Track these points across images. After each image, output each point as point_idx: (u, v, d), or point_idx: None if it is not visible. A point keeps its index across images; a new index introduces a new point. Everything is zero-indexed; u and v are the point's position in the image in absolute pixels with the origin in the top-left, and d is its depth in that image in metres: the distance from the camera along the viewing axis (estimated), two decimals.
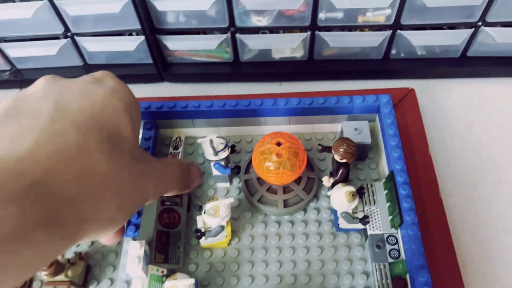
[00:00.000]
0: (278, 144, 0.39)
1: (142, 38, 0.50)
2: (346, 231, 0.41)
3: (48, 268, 0.36)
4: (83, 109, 0.27)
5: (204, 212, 0.38)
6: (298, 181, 0.43)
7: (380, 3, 0.46)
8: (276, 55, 0.54)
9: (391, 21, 0.48)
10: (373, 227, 0.39)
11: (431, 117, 0.51)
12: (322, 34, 0.50)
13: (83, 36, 0.50)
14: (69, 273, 0.38)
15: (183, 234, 0.41)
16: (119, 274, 0.37)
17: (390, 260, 0.37)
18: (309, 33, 0.50)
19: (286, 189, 0.43)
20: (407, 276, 0.36)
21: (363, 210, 0.40)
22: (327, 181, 0.41)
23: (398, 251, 0.38)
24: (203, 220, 0.39)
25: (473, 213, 0.44)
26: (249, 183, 0.44)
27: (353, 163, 0.43)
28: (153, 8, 0.47)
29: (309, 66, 0.54)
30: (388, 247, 0.38)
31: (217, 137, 0.41)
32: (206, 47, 0.52)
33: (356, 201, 0.38)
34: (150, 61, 0.53)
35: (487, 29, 0.49)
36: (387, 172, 0.42)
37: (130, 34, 0.51)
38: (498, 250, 0.42)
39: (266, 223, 0.43)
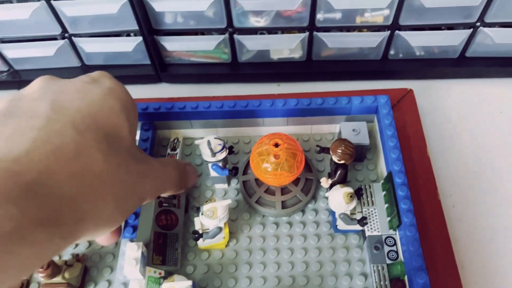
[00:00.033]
0: (276, 145, 0.39)
1: (140, 39, 0.50)
2: (344, 232, 0.41)
3: (45, 270, 0.36)
4: (80, 109, 0.27)
5: (202, 214, 0.38)
6: (296, 182, 0.43)
7: (378, 3, 0.46)
8: (274, 56, 0.53)
9: (390, 22, 0.48)
10: (371, 228, 0.39)
11: (430, 118, 0.51)
12: (320, 34, 0.50)
13: (80, 37, 0.50)
14: (66, 275, 0.38)
15: (181, 236, 0.41)
16: (116, 276, 0.37)
17: (388, 261, 0.37)
18: (307, 33, 0.50)
19: (284, 190, 0.43)
20: (405, 278, 0.36)
21: (361, 211, 0.40)
22: (325, 182, 0.41)
23: (396, 252, 0.38)
24: (200, 222, 0.39)
25: (471, 214, 0.44)
26: (247, 184, 0.44)
27: (351, 164, 0.43)
28: (150, 9, 0.47)
29: (308, 66, 0.54)
30: (386, 249, 0.38)
31: (215, 138, 0.40)
32: (204, 47, 0.52)
33: (354, 202, 0.38)
34: (148, 62, 0.53)
35: (486, 29, 0.49)
36: (385, 173, 0.42)
37: (128, 35, 0.51)
38: (497, 251, 0.41)
39: (264, 224, 0.42)
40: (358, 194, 0.40)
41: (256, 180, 0.43)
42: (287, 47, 0.52)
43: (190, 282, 0.35)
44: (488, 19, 0.48)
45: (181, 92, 0.54)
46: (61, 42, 0.51)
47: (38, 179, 0.22)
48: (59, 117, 0.26)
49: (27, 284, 0.39)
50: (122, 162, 0.28)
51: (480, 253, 0.41)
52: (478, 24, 0.48)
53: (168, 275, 0.37)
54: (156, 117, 0.45)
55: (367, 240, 0.39)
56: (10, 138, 0.24)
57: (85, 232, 0.25)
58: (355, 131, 0.43)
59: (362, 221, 0.39)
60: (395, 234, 0.38)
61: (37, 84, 0.29)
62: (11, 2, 0.47)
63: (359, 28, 0.50)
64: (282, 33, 0.50)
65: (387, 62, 0.54)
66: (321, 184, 0.41)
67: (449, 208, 0.44)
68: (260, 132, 0.47)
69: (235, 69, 0.54)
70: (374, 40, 0.50)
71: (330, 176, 0.42)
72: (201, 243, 0.40)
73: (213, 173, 0.42)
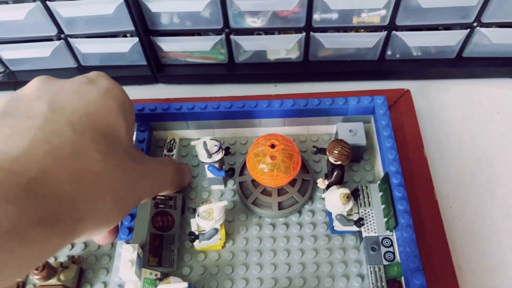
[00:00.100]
0: (272, 146, 0.39)
1: (136, 39, 0.49)
2: (341, 233, 0.41)
3: (40, 272, 0.36)
4: (77, 109, 0.28)
5: (198, 215, 0.38)
6: (292, 183, 0.43)
7: (375, 4, 0.46)
8: (271, 56, 0.53)
9: (386, 22, 0.48)
10: (368, 229, 0.39)
11: (427, 118, 0.51)
12: (317, 35, 0.50)
13: (76, 37, 0.50)
14: (62, 277, 0.38)
15: (177, 237, 0.41)
16: (112, 277, 0.36)
17: (385, 262, 0.37)
18: (304, 34, 0.49)
19: (280, 191, 0.43)
20: (402, 279, 0.36)
21: (358, 212, 0.40)
22: (321, 183, 0.41)
23: (393, 253, 0.38)
24: (197, 223, 0.39)
25: (468, 215, 0.44)
26: (244, 185, 0.44)
27: (348, 165, 0.43)
28: (146, 10, 0.47)
29: (304, 67, 0.54)
30: (383, 250, 0.38)
31: (211, 139, 0.40)
32: (200, 48, 0.52)
33: (351, 203, 0.38)
34: (144, 62, 0.53)
35: (483, 29, 0.49)
36: (382, 174, 0.42)
37: (124, 36, 0.51)
38: (494, 252, 0.41)
39: (261, 225, 0.42)
40: (354, 195, 0.40)
41: (253, 181, 0.43)
42: (283, 47, 0.52)
43: (186, 284, 0.35)
44: (485, 19, 0.48)
45: (177, 92, 0.54)
46: (57, 43, 0.51)
47: (37, 179, 0.22)
48: (57, 117, 0.26)
49: (22, 286, 0.39)
50: (120, 162, 0.28)
51: (477, 254, 0.41)
52: (475, 24, 0.48)
53: (164, 276, 0.37)
54: (152, 118, 0.45)
55: (363, 241, 0.39)
56: (8, 138, 0.24)
57: (84, 231, 0.25)
58: (352, 131, 0.43)
59: (359, 222, 0.39)
60: (392, 235, 0.38)
61: (34, 84, 0.29)
62: (7, 3, 0.47)
63: (356, 29, 0.50)
64: (279, 33, 0.50)
65: (384, 62, 0.54)
66: (318, 185, 0.41)
67: (446, 208, 0.44)
68: (257, 133, 0.47)
69: (231, 70, 0.54)
70: (371, 40, 0.50)
71: (326, 177, 0.42)
72: (197, 244, 0.40)
73: (209, 174, 0.42)
